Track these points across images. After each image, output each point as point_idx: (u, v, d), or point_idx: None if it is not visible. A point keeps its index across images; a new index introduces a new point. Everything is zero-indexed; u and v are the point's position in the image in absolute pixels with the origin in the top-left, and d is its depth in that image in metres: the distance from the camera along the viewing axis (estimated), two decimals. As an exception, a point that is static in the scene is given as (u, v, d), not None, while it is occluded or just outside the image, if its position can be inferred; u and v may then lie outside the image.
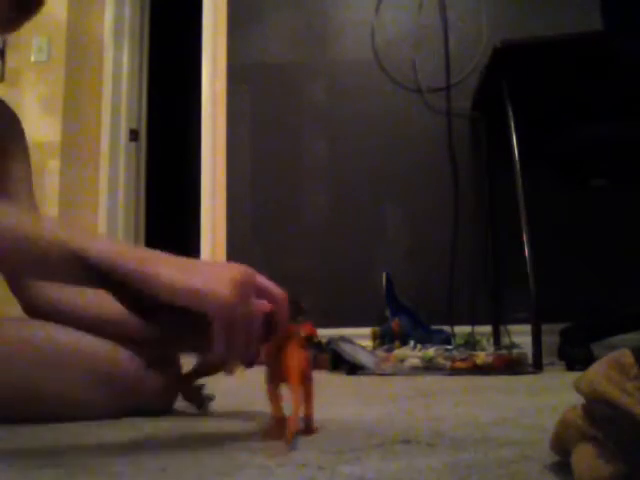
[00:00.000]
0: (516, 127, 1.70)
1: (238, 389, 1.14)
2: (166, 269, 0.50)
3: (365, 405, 0.87)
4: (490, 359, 1.41)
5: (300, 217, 2.39)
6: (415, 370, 1.44)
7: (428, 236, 2.28)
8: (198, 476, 0.42)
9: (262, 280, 0.55)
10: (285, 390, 0.55)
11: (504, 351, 1.55)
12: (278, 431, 0.53)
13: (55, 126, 2.46)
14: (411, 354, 1.49)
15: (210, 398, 0.78)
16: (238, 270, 0.52)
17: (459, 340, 1.85)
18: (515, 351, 1.51)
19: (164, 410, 0.77)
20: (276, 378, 0.55)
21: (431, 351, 1.48)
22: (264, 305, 0.53)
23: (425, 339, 1.72)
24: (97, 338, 0.71)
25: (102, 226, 2.63)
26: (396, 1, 2.44)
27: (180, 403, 0.79)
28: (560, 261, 2.10)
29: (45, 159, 2.43)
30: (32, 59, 2.51)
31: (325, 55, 2.47)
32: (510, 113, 1.71)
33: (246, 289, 0.51)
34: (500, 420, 0.67)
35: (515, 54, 1.77)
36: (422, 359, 1.45)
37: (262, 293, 0.54)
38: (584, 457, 0.35)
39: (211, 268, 0.52)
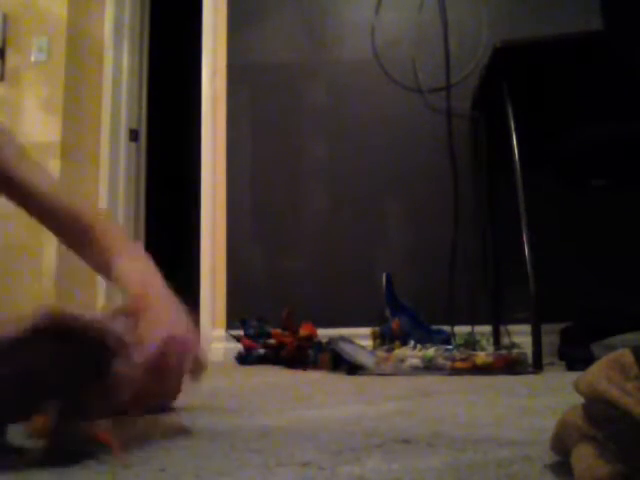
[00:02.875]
0: (516, 127, 1.70)
1: (237, 389, 1.14)
2: None
3: (365, 405, 0.87)
4: (490, 359, 1.41)
5: (300, 217, 2.39)
6: (415, 370, 1.44)
7: (428, 236, 2.28)
8: (198, 476, 0.42)
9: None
10: None
11: (504, 351, 1.55)
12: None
13: (55, 126, 2.46)
14: (411, 354, 1.49)
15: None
16: None
17: (459, 340, 1.85)
18: (515, 351, 1.51)
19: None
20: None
21: (431, 351, 1.48)
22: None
23: (425, 339, 1.71)
24: None
25: (102, 226, 2.63)
26: (396, 1, 2.44)
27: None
28: (560, 261, 2.10)
29: (45, 159, 2.42)
30: (32, 59, 2.51)
31: (325, 55, 2.47)
32: (510, 113, 1.71)
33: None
34: (500, 420, 0.67)
35: (515, 54, 1.77)
36: (422, 359, 1.45)
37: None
38: (584, 457, 0.35)
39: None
